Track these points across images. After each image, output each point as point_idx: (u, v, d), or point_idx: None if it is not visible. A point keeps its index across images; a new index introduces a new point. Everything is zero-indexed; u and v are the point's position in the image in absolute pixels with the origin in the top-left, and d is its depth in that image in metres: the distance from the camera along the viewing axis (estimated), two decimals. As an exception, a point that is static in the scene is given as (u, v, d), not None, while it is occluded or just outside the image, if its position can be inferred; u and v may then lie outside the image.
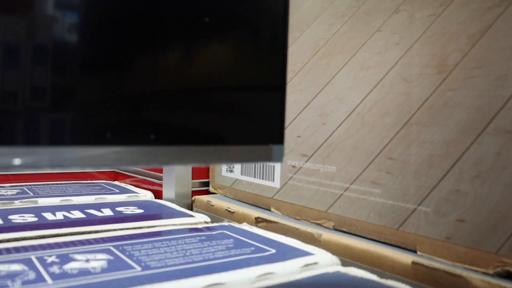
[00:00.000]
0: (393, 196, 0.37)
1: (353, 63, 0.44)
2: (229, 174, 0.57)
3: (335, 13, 0.48)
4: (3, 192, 0.55)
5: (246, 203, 0.53)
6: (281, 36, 0.26)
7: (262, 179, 0.51)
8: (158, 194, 0.61)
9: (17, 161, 0.19)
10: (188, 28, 0.23)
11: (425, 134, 0.36)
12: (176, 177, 0.57)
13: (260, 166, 0.52)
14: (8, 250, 0.31)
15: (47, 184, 0.64)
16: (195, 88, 0.24)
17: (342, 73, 0.44)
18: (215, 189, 0.60)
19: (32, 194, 0.54)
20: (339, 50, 0.46)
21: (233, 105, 0.25)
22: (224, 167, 0.58)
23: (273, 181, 0.50)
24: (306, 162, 0.46)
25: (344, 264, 0.34)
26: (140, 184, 0.67)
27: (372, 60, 0.42)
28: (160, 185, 0.61)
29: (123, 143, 0.21)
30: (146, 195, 0.59)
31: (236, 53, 0.25)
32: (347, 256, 0.37)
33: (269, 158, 0.25)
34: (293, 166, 0.47)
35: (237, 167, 0.55)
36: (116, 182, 0.71)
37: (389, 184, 0.37)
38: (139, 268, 0.29)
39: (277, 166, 0.49)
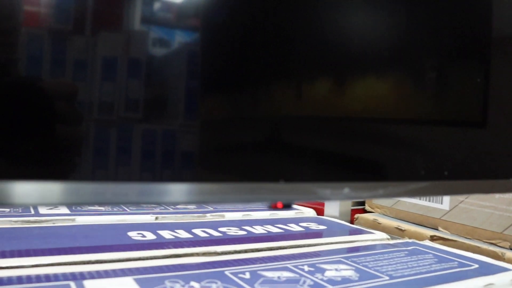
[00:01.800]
0: None
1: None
2: (389, 195, 0.62)
3: None
4: (190, 206, 0.64)
5: (409, 222, 0.58)
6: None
7: (429, 201, 0.56)
8: (317, 212, 0.67)
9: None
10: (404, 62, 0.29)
11: None
12: (341, 196, 0.63)
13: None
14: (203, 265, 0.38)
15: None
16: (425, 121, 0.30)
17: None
18: (372, 208, 0.65)
19: (212, 208, 0.62)
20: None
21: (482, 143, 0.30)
22: (383, 189, 0.63)
23: (442, 203, 0.54)
24: (480, 187, 0.50)
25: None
26: (296, 202, 0.74)
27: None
28: (317, 203, 0.67)
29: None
30: (309, 212, 0.65)
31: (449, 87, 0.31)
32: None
33: (509, 190, 0.30)
34: (465, 191, 0.52)
35: (399, 189, 0.60)
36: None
37: None
38: (386, 277, 0.34)
39: (446, 189, 0.54)
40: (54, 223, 0.45)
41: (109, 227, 0.45)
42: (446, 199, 0.54)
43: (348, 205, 0.65)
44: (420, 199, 0.57)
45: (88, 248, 0.36)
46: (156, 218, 0.51)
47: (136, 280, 0.30)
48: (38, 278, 0.29)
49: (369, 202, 0.66)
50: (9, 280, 0.28)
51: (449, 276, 0.35)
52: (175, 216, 0.54)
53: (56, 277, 0.30)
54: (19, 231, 0.41)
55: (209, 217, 0.56)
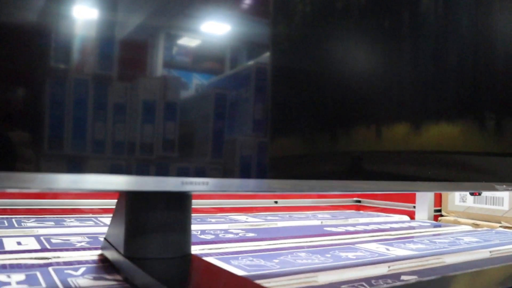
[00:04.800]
0: None
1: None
2: (462, 203, 0.92)
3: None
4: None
5: (480, 220, 0.88)
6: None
7: (493, 205, 0.85)
8: (410, 217, 0.96)
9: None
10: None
11: None
12: (428, 204, 0.93)
13: (490, 196, 0.86)
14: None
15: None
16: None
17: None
18: (448, 213, 0.94)
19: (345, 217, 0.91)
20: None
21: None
22: (457, 198, 0.93)
23: (502, 205, 0.84)
24: (529, 193, 0.80)
25: None
26: (380, 211, 1.03)
27: None
28: (410, 212, 0.97)
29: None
30: (402, 218, 0.95)
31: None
32: None
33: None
34: (520, 196, 0.82)
35: (470, 198, 0.90)
36: (362, 211, 1.07)
37: None
38: (497, 241, 0.64)
39: (505, 194, 0.84)
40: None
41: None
42: (506, 201, 0.83)
43: (431, 211, 0.94)
44: (486, 204, 0.87)
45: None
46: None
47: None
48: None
49: (444, 209, 0.95)
50: None
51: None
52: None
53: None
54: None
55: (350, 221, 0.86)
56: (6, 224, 0.60)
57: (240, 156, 0.34)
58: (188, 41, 0.33)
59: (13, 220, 0.65)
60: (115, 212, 0.41)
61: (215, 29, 0.34)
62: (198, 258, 0.38)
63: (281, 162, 0.36)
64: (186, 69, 0.33)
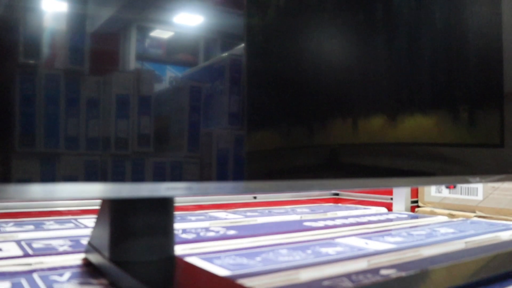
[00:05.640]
0: None
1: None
2: (438, 194, 0.94)
3: None
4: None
5: (455, 210, 0.90)
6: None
7: (468, 195, 0.88)
8: (388, 209, 0.98)
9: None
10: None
11: None
12: (405, 196, 0.95)
13: (465, 187, 0.88)
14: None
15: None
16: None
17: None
18: (424, 204, 0.96)
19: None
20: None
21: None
22: (433, 190, 0.95)
23: (477, 195, 0.86)
24: (502, 184, 0.82)
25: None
26: (357, 203, 1.05)
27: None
28: (388, 204, 0.99)
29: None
30: (380, 210, 0.97)
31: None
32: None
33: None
34: (493, 187, 0.84)
35: (445, 189, 0.92)
36: (340, 204, 1.09)
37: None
38: (472, 231, 0.66)
39: (480, 186, 0.86)
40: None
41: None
42: (480, 191, 0.85)
43: (409, 202, 0.96)
44: (461, 194, 0.89)
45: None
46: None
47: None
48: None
49: (421, 200, 0.97)
50: None
51: (500, 230, 0.67)
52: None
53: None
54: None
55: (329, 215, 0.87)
56: (-15, 229, 0.60)
57: (219, 156, 0.34)
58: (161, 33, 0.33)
59: (-8, 224, 0.64)
60: (98, 216, 0.41)
61: (188, 21, 0.33)
62: (181, 260, 0.39)
63: (260, 161, 0.36)
64: (159, 62, 0.33)
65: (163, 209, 0.38)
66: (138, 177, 0.30)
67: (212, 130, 0.34)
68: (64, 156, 0.28)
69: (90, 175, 0.28)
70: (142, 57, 0.32)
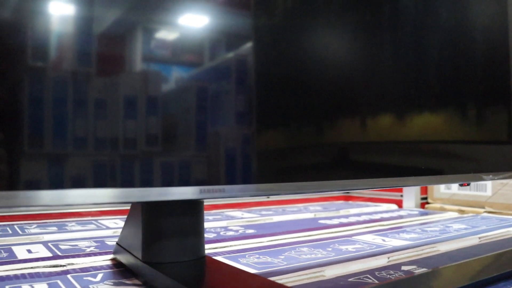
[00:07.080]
0: None
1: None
2: (447, 191, 0.95)
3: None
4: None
5: (464, 206, 0.91)
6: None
7: (477, 191, 0.89)
8: (398, 205, 0.99)
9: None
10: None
11: None
12: (415, 193, 0.96)
13: (474, 183, 0.90)
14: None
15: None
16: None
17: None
18: (434, 201, 0.98)
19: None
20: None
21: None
22: (442, 186, 0.96)
23: (486, 191, 0.88)
24: (511, 180, 0.84)
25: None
26: (368, 200, 1.06)
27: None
28: (386, 200, 1.00)
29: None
30: (390, 207, 0.98)
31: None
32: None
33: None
34: (502, 183, 0.85)
35: (454, 185, 0.94)
36: (351, 202, 1.10)
37: None
38: (484, 227, 0.67)
39: (489, 182, 0.87)
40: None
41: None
42: (489, 187, 0.87)
43: (418, 199, 0.97)
44: (470, 190, 0.90)
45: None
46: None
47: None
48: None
49: (430, 196, 0.98)
50: None
51: (511, 225, 0.68)
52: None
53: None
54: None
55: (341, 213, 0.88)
56: (10, 232, 0.62)
57: (244, 159, 0.35)
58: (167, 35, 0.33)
59: (16, 226, 0.66)
60: (128, 217, 0.42)
61: (194, 22, 0.33)
62: (212, 260, 0.40)
63: (280, 162, 0.37)
64: (166, 63, 0.33)
65: (194, 210, 0.39)
66: (168, 180, 0.31)
67: (237, 132, 0.35)
68: (96, 161, 0.29)
69: (124, 181, 0.29)
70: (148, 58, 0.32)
